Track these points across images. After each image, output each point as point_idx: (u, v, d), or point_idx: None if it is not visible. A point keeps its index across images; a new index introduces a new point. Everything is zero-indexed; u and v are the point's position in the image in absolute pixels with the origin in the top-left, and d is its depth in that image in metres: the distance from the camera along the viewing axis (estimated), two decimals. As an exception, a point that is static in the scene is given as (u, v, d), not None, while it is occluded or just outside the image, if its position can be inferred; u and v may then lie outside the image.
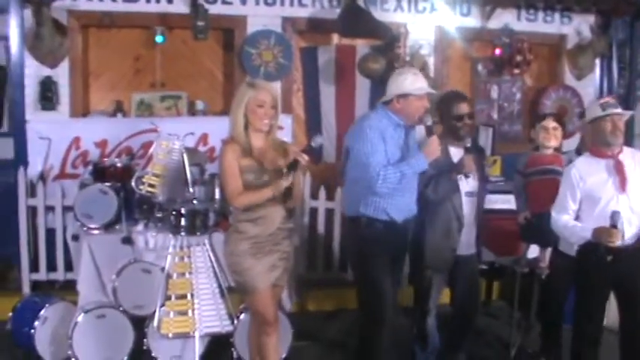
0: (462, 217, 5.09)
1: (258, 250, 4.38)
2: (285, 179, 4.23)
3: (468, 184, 5.11)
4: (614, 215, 4.45)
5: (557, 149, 5.49)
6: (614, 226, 4.43)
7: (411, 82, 4.69)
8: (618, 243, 4.48)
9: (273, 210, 4.38)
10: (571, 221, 4.76)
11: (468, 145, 5.05)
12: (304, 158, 4.24)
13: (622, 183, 4.57)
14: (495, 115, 8.46)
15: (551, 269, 5.44)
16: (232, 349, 5.38)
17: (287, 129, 7.00)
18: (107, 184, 5.70)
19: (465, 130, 5.09)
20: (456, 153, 5.10)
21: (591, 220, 4.64)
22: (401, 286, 5.20)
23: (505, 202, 6.23)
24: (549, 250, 5.45)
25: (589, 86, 8.78)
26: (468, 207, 5.13)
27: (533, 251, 5.67)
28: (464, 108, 5.11)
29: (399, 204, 4.75)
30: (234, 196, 4.33)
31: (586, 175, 4.71)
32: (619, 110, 4.67)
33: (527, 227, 5.34)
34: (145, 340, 5.30)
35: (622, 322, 4.88)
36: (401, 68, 4.92)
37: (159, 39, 7.08)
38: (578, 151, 5.58)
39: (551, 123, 5.41)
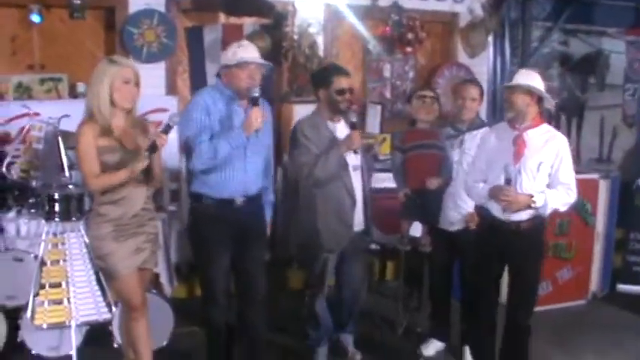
0: (353, 194, 5.03)
1: (120, 233, 4.20)
2: (142, 160, 4.06)
3: (355, 158, 5.04)
4: (507, 167, 4.48)
5: (434, 123, 5.46)
6: (508, 180, 4.45)
7: (233, 54, 4.57)
8: (510, 209, 4.52)
9: (135, 190, 4.21)
10: (477, 182, 4.78)
11: (354, 119, 4.94)
12: (163, 139, 4.09)
13: (515, 156, 4.56)
14: (388, 94, 8.45)
15: (433, 247, 5.42)
16: (112, 337, 5.21)
17: (173, 111, 6.80)
18: (-25, 170, 5.45)
19: (344, 104, 4.99)
20: (338, 129, 5.03)
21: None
22: (259, 268, 4.93)
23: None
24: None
25: (483, 64, 8.86)
26: (354, 181, 5.06)
27: (418, 229, 5.65)
28: (345, 82, 5.00)
29: (228, 180, 4.60)
30: (90, 178, 4.13)
31: (493, 139, 4.76)
32: (507, 83, 4.67)
33: (407, 204, 5.30)
34: (19, 332, 5.06)
35: (508, 299, 4.91)
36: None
37: (35, 18, 6.71)
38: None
39: (428, 93, 5.37)
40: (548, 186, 4.60)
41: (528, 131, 4.61)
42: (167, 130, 4.15)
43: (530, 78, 4.60)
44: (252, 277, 4.84)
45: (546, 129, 4.69)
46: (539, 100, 4.62)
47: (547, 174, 4.58)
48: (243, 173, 4.62)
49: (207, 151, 4.43)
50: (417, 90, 5.58)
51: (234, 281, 4.88)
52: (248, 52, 4.59)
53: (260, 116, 4.41)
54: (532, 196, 4.50)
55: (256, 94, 4.46)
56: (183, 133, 4.58)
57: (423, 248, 5.43)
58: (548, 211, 4.61)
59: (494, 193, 4.56)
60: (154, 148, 4.08)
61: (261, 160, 4.78)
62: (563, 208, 4.70)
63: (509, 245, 4.66)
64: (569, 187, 4.59)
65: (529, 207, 4.53)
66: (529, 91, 4.56)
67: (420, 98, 5.39)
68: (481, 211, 4.85)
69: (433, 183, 5.17)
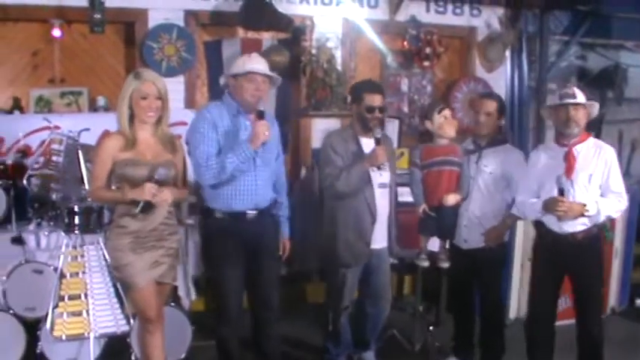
0: (374, 210, 5.01)
1: (138, 246, 4.22)
2: (136, 192, 4.09)
3: (380, 176, 5.03)
4: (559, 179, 4.56)
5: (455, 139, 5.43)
6: (561, 190, 4.54)
7: (242, 64, 4.56)
8: (566, 218, 4.61)
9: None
10: (528, 199, 4.87)
11: (379, 135, 4.91)
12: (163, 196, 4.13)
13: (567, 171, 4.66)
14: (406, 109, 8.47)
15: (451, 263, 5.38)
16: (131, 349, 5.21)
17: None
18: (-3, 182, 5.51)
19: (374, 122, 4.98)
20: (368, 144, 5.00)
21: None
22: (272, 282, 4.87)
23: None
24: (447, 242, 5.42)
25: (500, 79, 8.86)
26: (381, 199, 5.05)
27: (437, 244, 5.62)
28: (377, 100, 5.01)
29: (239, 194, 4.55)
30: (92, 189, 4.33)
31: (542, 158, 4.89)
32: (573, 100, 4.69)
33: (424, 220, 5.27)
34: (38, 343, 5.08)
35: (576, 313, 4.92)
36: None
37: (56, 33, 6.87)
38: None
39: (448, 112, 5.34)
40: (601, 195, 4.69)
41: (577, 146, 4.72)
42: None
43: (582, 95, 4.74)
44: (266, 292, 4.81)
45: (593, 142, 4.78)
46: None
47: (598, 185, 4.68)
48: (254, 186, 4.58)
49: (216, 167, 4.40)
50: (434, 106, 5.51)
51: (247, 295, 4.86)
52: (257, 63, 4.57)
53: (267, 129, 4.38)
54: (585, 205, 4.58)
55: (262, 108, 4.44)
56: (191, 144, 4.57)
57: (441, 263, 5.40)
58: (602, 218, 4.69)
59: (549, 205, 4.63)
60: (148, 207, 4.16)
61: (270, 172, 4.73)
62: (615, 215, 4.87)
63: (569, 257, 4.74)
64: (621, 195, 4.71)
65: (582, 215, 4.61)
66: (586, 107, 4.72)
67: (444, 118, 5.28)
68: (538, 226, 4.94)
69: (450, 200, 5.13)
